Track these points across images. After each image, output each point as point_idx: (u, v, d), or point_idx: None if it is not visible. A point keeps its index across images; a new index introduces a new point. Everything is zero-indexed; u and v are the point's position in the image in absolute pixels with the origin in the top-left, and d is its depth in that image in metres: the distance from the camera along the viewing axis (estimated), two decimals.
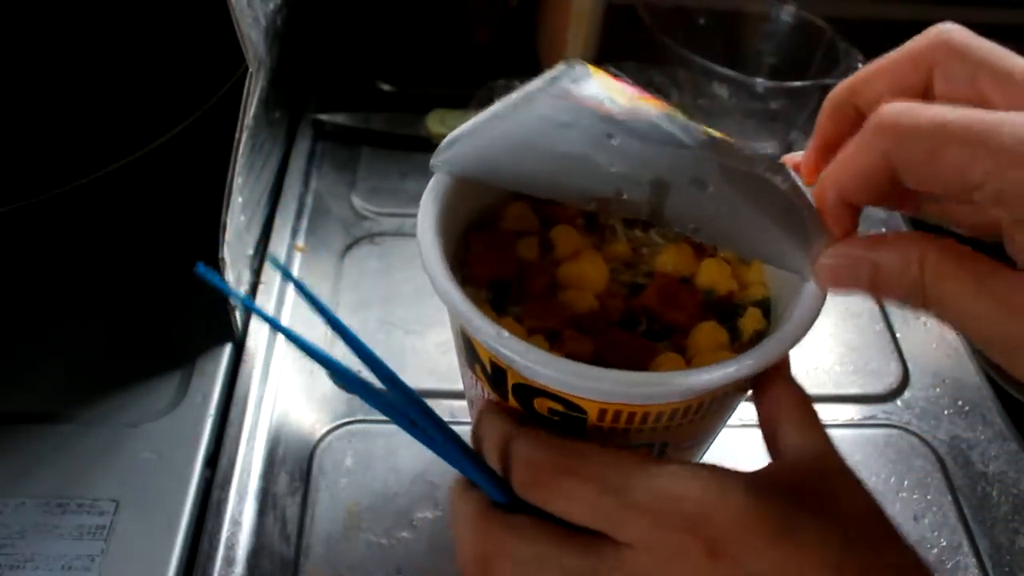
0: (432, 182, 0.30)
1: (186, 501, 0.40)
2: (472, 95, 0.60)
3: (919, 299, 0.23)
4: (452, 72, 0.65)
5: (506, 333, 0.26)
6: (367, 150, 0.63)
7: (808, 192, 0.27)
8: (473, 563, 0.27)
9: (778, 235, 0.26)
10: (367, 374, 0.28)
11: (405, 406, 0.27)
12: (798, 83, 0.57)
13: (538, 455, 0.26)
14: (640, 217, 0.27)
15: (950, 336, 0.52)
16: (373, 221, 0.58)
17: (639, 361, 0.29)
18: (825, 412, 0.48)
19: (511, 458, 0.26)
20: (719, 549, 0.23)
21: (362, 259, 0.55)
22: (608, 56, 0.63)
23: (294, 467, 0.44)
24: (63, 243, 0.49)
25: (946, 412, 0.49)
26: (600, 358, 0.29)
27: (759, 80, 0.57)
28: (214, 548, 0.39)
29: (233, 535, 0.39)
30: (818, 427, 0.27)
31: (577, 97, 0.27)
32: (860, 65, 0.38)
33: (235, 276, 0.45)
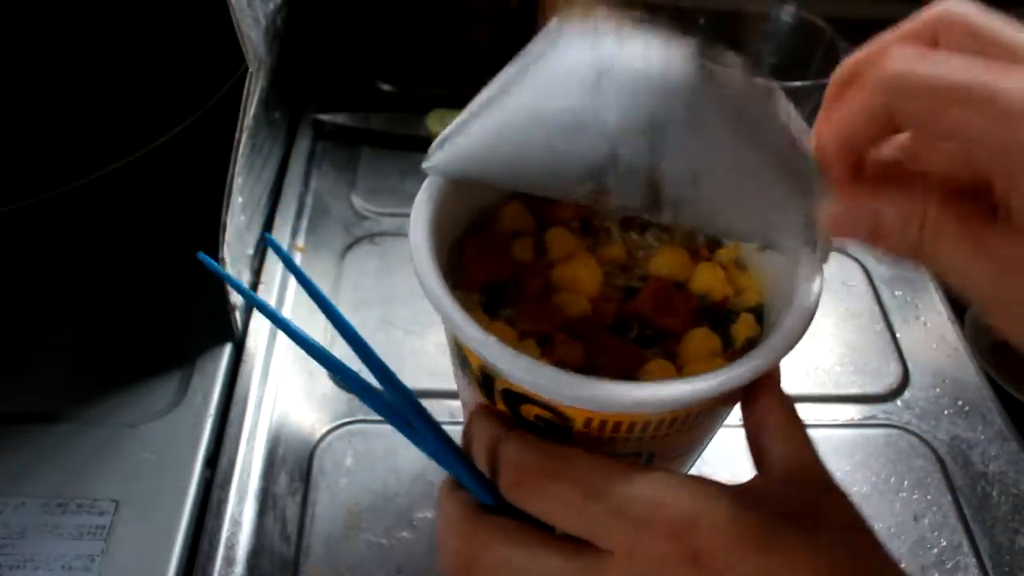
0: (425, 184, 0.30)
1: (186, 501, 0.40)
2: (472, 95, 0.60)
3: (917, 255, 0.23)
4: (452, 72, 0.65)
5: (493, 340, 0.26)
6: (367, 150, 0.63)
7: (803, 122, 0.27)
8: (455, 563, 0.27)
9: (778, 180, 0.26)
10: (365, 374, 0.28)
11: (399, 405, 0.28)
12: (798, 83, 0.57)
13: (525, 458, 0.26)
14: (637, 193, 0.26)
15: (950, 336, 0.52)
16: (373, 221, 0.58)
17: (629, 368, 0.28)
18: (825, 412, 0.48)
19: (499, 460, 0.26)
20: (704, 558, 0.23)
21: (362, 259, 0.55)
22: None
23: (294, 467, 0.44)
24: (63, 243, 0.49)
25: (946, 412, 0.49)
26: (591, 363, 0.29)
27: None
28: (214, 548, 0.39)
29: (233, 535, 0.39)
30: (805, 439, 0.27)
31: (562, 50, 0.27)
32: None
33: (235, 276, 0.45)
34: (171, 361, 0.46)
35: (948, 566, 0.42)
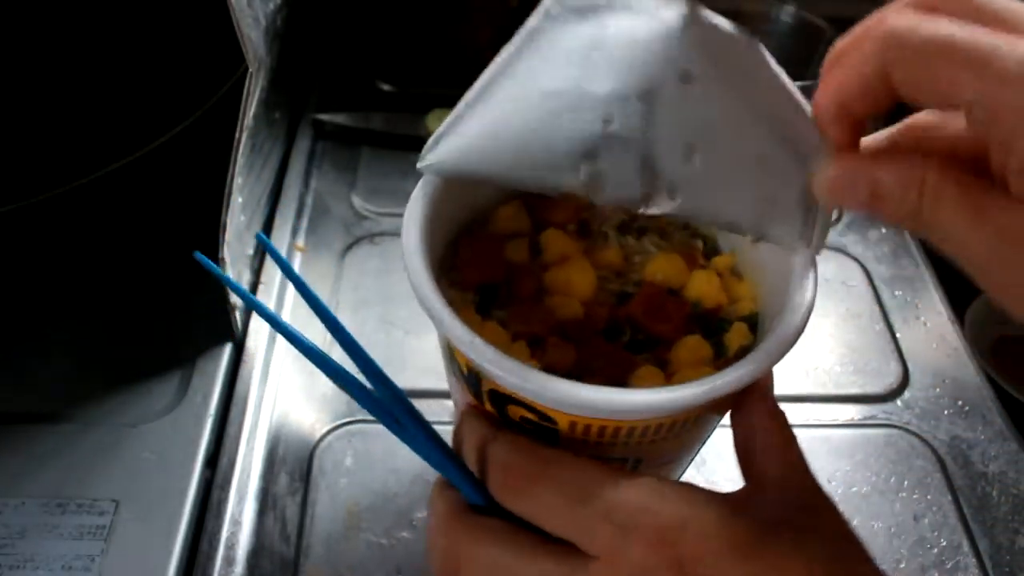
0: (420, 183, 0.30)
1: (186, 501, 0.40)
2: None
3: (914, 221, 0.23)
4: (452, 72, 0.65)
5: (479, 340, 0.25)
6: (367, 150, 0.63)
7: (789, 80, 0.26)
8: (443, 562, 0.27)
9: (775, 142, 0.26)
10: (358, 374, 0.28)
11: (390, 403, 0.27)
12: (798, 83, 0.57)
13: (513, 460, 0.26)
14: (633, 175, 0.26)
15: (950, 336, 0.52)
16: (373, 221, 0.58)
17: (620, 373, 0.28)
18: (825, 412, 0.48)
19: (488, 461, 0.26)
20: (689, 565, 0.23)
21: (362, 259, 0.55)
22: None
23: (294, 467, 0.44)
24: (63, 243, 0.49)
25: (946, 412, 0.49)
26: (582, 367, 0.28)
27: None
28: (214, 548, 0.39)
29: (233, 535, 0.39)
30: (794, 449, 0.27)
31: (554, 27, 0.26)
32: None
33: (235, 276, 0.45)
34: (171, 361, 0.46)
35: (948, 566, 0.42)
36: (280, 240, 0.54)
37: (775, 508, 0.25)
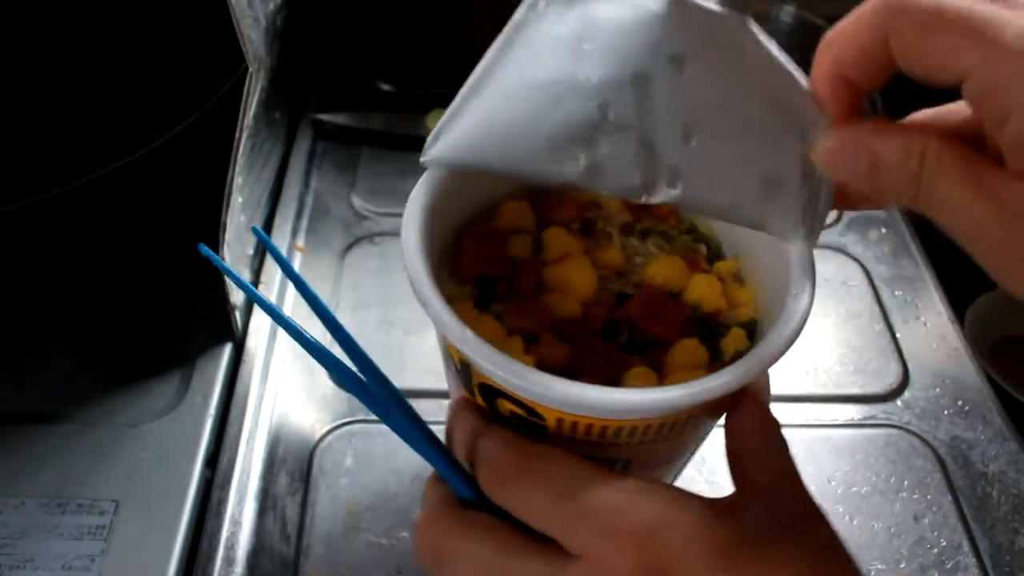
0: (424, 177, 0.30)
1: (186, 501, 0.40)
2: None
3: (913, 192, 0.23)
4: (452, 72, 0.65)
5: (470, 332, 0.25)
6: (367, 150, 0.63)
7: (783, 54, 0.26)
8: (427, 554, 0.27)
9: (772, 116, 0.25)
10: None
11: (384, 397, 0.28)
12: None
13: (502, 454, 0.26)
14: (633, 161, 0.26)
15: (950, 336, 0.52)
16: (373, 221, 0.58)
17: (613, 373, 0.28)
18: (825, 412, 0.48)
19: (477, 455, 0.26)
20: (666, 569, 0.23)
21: (362, 259, 0.55)
22: None
23: (294, 467, 0.44)
24: (63, 243, 0.49)
25: (946, 412, 0.49)
26: (576, 365, 0.28)
27: None
28: (214, 548, 0.39)
29: (233, 535, 0.39)
30: (785, 458, 0.27)
31: (542, 19, 0.26)
32: None
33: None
34: (171, 361, 0.46)
35: (948, 566, 0.42)
36: (280, 240, 0.54)
37: (763, 516, 0.25)
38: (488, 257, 0.31)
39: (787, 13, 0.63)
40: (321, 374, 0.48)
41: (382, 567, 0.40)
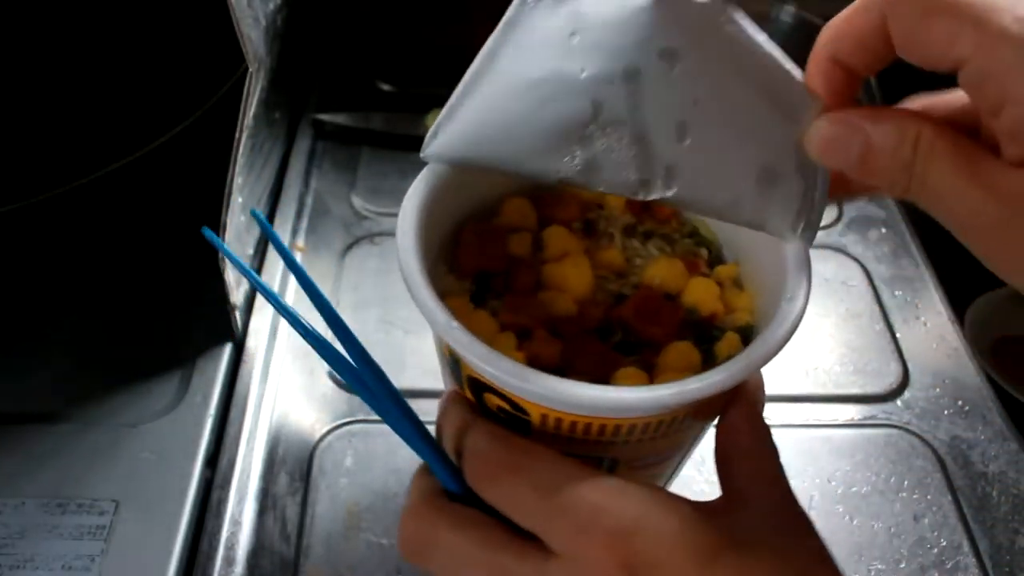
0: (424, 171, 0.30)
1: (186, 501, 0.40)
2: None
3: (906, 180, 0.23)
4: (452, 72, 0.65)
5: (457, 324, 0.26)
6: (367, 150, 0.63)
7: (769, 41, 0.26)
8: (409, 545, 0.27)
9: (765, 107, 0.25)
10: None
11: (375, 385, 0.28)
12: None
13: (489, 447, 0.26)
14: (622, 155, 0.26)
15: (950, 336, 0.52)
16: (373, 221, 0.58)
17: (604, 372, 0.28)
18: (825, 412, 0.48)
19: (464, 448, 0.26)
20: (640, 569, 0.23)
21: (362, 259, 0.55)
22: None
23: (294, 467, 0.44)
24: (63, 243, 0.49)
25: (946, 412, 0.49)
26: (567, 363, 0.28)
27: None
28: (214, 548, 0.39)
29: (233, 535, 0.39)
30: (776, 464, 0.27)
31: (533, 15, 0.26)
32: None
33: (235, 276, 0.45)
34: (171, 361, 0.46)
35: (948, 566, 0.42)
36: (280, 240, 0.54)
37: (749, 521, 0.25)
38: (486, 253, 0.31)
39: (787, 13, 0.64)
40: (321, 374, 0.48)
41: (382, 567, 0.40)
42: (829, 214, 0.60)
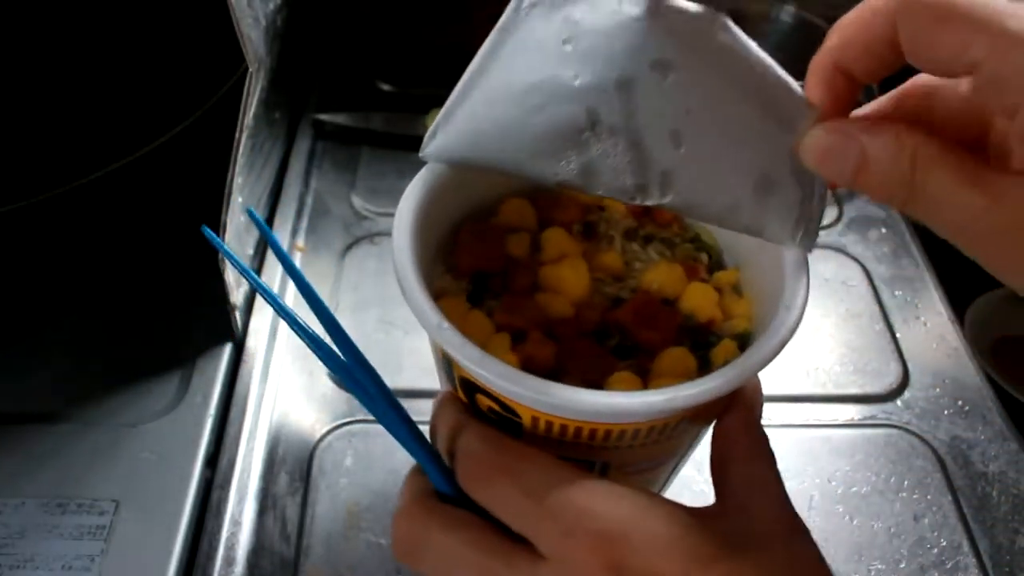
0: (423, 170, 0.30)
1: (186, 501, 0.40)
2: None
3: (905, 192, 0.22)
4: (452, 72, 0.66)
5: (447, 325, 0.26)
6: (367, 150, 0.63)
7: (761, 51, 0.26)
8: (401, 546, 0.27)
9: (760, 116, 0.25)
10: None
11: (366, 383, 0.27)
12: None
13: (481, 449, 0.26)
14: (618, 160, 0.26)
15: (950, 336, 0.52)
16: (373, 221, 0.58)
17: (599, 376, 0.28)
18: (825, 412, 0.48)
19: (457, 450, 0.26)
20: (625, 572, 0.23)
21: (362, 259, 0.55)
22: None
23: (294, 467, 0.44)
24: (63, 243, 0.49)
25: (946, 412, 0.49)
26: (561, 366, 0.28)
27: None
28: (214, 548, 0.39)
29: (233, 535, 0.39)
30: (772, 469, 0.27)
31: (527, 22, 0.26)
32: None
33: (235, 276, 0.45)
34: (171, 361, 0.46)
35: (948, 566, 0.42)
36: (280, 240, 0.54)
37: (743, 529, 0.25)
38: (484, 253, 0.31)
39: (787, 13, 0.63)
40: (321, 375, 0.48)
41: (382, 567, 0.40)
42: (829, 214, 0.60)
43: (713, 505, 0.26)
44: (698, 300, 0.31)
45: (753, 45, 0.25)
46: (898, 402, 0.49)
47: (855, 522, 0.43)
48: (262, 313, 0.49)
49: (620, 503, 0.24)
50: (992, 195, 0.21)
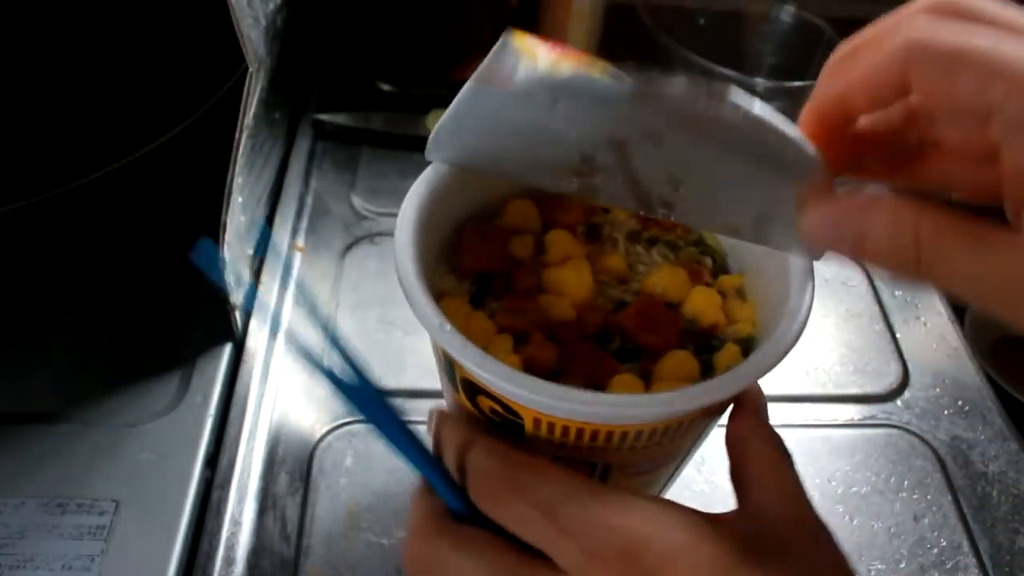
0: (426, 171, 0.30)
1: (186, 501, 0.40)
2: None
3: (912, 267, 0.22)
4: (452, 72, 0.66)
5: (448, 326, 0.26)
6: (367, 150, 0.63)
7: (770, 111, 0.25)
8: (414, 567, 0.27)
9: (756, 170, 0.25)
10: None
11: (377, 407, 0.27)
12: (798, 83, 0.57)
13: (491, 465, 0.25)
14: (619, 186, 0.26)
15: (950, 336, 0.52)
16: (373, 221, 0.58)
17: (601, 378, 0.28)
18: (825, 412, 0.48)
19: (468, 467, 0.26)
20: None
21: (362, 259, 0.55)
22: (608, 56, 0.63)
23: (294, 467, 0.44)
24: (63, 243, 0.49)
25: (946, 412, 0.49)
26: (563, 368, 0.28)
27: (759, 80, 0.57)
28: (214, 548, 0.39)
29: (233, 535, 0.39)
30: (790, 472, 0.27)
31: (510, 73, 0.26)
32: None
33: (235, 276, 0.45)
34: (171, 361, 0.46)
35: (948, 566, 0.42)
36: (280, 240, 0.54)
37: (765, 534, 0.24)
38: (487, 254, 0.31)
39: (787, 13, 0.63)
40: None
41: (382, 567, 0.40)
42: None
43: (734, 511, 0.26)
44: (702, 305, 0.31)
45: (755, 106, 0.25)
46: (898, 402, 0.49)
47: (855, 522, 0.43)
48: (262, 313, 0.49)
49: (641, 515, 0.24)
50: (1010, 264, 0.21)
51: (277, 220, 0.55)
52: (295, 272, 0.53)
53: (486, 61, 0.26)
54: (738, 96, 0.25)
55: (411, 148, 0.62)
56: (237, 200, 0.44)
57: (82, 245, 0.50)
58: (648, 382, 0.29)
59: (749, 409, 0.28)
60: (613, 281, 0.32)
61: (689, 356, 0.29)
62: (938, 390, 0.50)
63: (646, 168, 0.26)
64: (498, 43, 0.26)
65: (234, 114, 0.41)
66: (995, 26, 0.21)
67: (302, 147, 0.62)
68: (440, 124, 0.28)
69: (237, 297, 0.46)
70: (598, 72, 0.25)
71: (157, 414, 0.43)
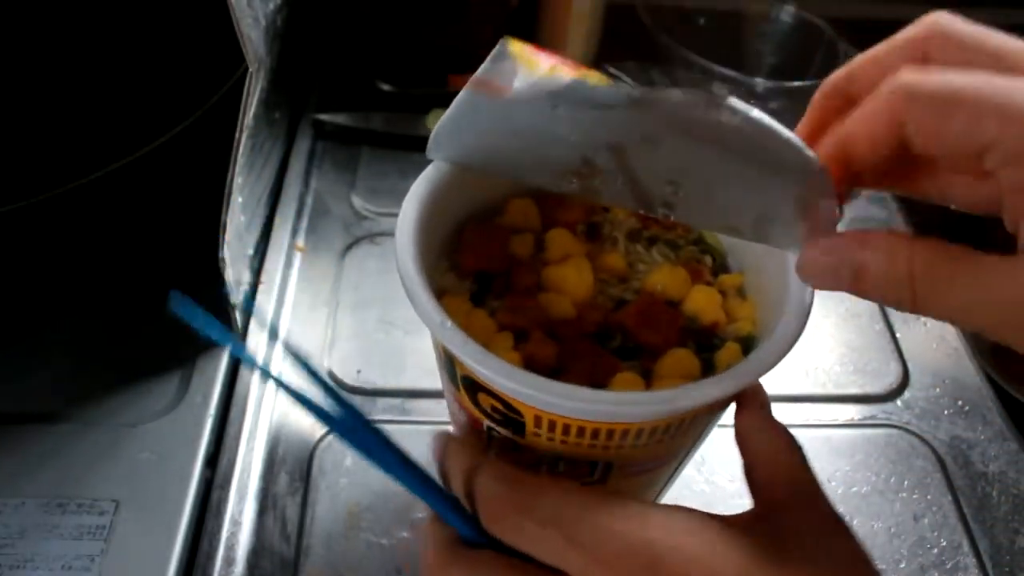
0: (427, 169, 0.30)
1: (186, 501, 0.40)
2: None
3: (907, 297, 0.22)
4: (452, 72, 0.66)
5: (449, 323, 0.26)
6: (367, 150, 0.63)
7: (763, 115, 0.25)
8: None
9: (756, 173, 0.25)
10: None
11: (382, 449, 0.27)
12: (798, 83, 0.57)
13: (499, 489, 0.25)
14: (619, 188, 0.26)
15: (950, 336, 0.52)
16: (373, 221, 0.58)
17: (600, 376, 0.28)
18: (825, 412, 0.48)
19: (475, 492, 0.26)
20: None
21: (362, 259, 0.55)
22: (608, 56, 0.63)
23: (294, 467, 0.44)
24: (63, 243, 0.49)
25: (946, 412, 0.49)
26: (563, 366, 0.28)
27: (759, 80, 0.57)
28: (214, 548, 0.39)
29: (233, 535, 0.39)
30: (804, 468, 0.27)
31: (508, 80, 0.26)
32: None
33: (235, 276, 0.45)
34: (171, 361, 0.46)
35: (948, 566, 0.42)
36: (280, 240, 0.54)
37: (783, 532, 0.24)
38: (488, 252, 0.31)
39: (787, 13, 0.63)
40: (321, 375, 0.48)
41: (382, 567, 0.40)
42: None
43: (751, 511, 0.26)
44: (702, 303, 0.31)
45: (753, 112, 0.25)
46: (898, 402, 0.49)
47: (855, 522, 0.43)
48: (262, 313, 0.49)
49: (658, 526, 0.24)
50: (995, 279, 0.21)
51: (277, 220, 0.55)
52: (295, 271, 0.53)
53: (483, 68, 0.26)
54: (736, 102, 0.25)
55: (411, 148, 0.62)
56: (237, 200, 0.44)
57: (82, 245, 0.50)
58: (649, 380, 0.29)
59: (754, 404, 0.28)
60: (613, 279, 0.32)
61: (690, 354, 0.29)
62: (938, 390, 0.50)
63: (646, 171, 0.26)
64: (494, 50, 0.26)
65: (234, 114, 0.41)
66: (975, 61, 0.22)
67: (302, 147, 0.62)
68: (440, 124, 0.28)
69: (237, 296, 0.46)
70: (596, 80, 0.25)
71: (157, 414, 0.43)
